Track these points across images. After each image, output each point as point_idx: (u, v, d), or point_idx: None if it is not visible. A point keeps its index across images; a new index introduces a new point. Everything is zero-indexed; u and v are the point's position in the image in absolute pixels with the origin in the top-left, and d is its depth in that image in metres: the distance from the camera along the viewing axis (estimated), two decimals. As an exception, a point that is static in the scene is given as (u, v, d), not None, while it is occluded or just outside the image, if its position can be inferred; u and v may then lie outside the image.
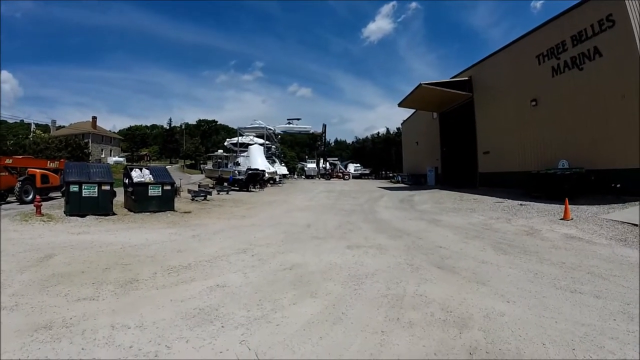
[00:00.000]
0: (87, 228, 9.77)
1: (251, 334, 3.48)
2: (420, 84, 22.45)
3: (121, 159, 57.23)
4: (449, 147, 28.56)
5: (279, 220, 12.22)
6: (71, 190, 11.48)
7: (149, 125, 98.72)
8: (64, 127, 63.40)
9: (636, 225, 8.45)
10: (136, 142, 72.19)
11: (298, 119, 53.05)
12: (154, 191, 13.54)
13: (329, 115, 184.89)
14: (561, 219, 9.91)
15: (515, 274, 5.45)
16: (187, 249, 7.52)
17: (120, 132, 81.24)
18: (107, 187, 12.18)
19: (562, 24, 15.87)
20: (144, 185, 13.44)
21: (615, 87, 13.40)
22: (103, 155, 61.12)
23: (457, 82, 23.63)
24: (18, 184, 15.46)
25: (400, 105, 28.02)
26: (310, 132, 55.93)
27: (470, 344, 3.24)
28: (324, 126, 59.81)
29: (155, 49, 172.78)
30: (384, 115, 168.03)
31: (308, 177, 56.19)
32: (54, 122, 64.82)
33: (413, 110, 36.10)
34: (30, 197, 15.32)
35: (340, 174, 53.83)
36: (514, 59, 19.43)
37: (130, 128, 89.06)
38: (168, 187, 14.02)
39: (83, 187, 11.64)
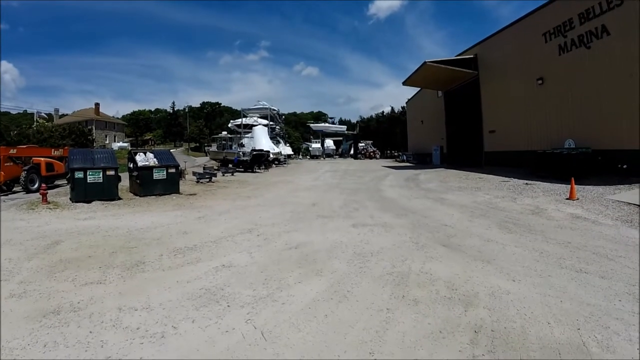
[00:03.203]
0: (93, 214, 9.82)
1: (257, 313, 3.53)
2: (425, 62, 22.00)
3: (125, 144, 57.46)
4: (454, 126, 28.20)
5: (284, 200, 12.27)
6: (76, 176, 11.50)
7: (152, 109, 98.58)
8: (66, 115, 63.46)
9: None
10: (140, 127, 72.18)
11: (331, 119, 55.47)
12: (159, 174, 13.58)
13: (334, 95, 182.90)
14: (567, 199, 9.81)
15: (520, 253, 5.44)
16: (192, 230, 7.58)
17: (124, 117, 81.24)
18: (112, 172, 12.21)
19: (570, 2, 15.35)
20: (149, 169, 13.47)
21: (622, 66, 13.02)
22: (107, 142, 61.35)
23: (463, 60, 23.11)
24: (23, 174, 15.47)
25: (404, 83, 27.60)
26: (346, 132, 56.86)
27: (476, 322, 3.25)
28: (358, 125, 60.92)
29: (159, 33, 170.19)
30: (391, 94, 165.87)
31: (313, 157, 56.42)
32: (56, 110, 64.80)
33: (418, 89, 35.51)
34: (36, 185, 15.32)
35: (372, 153, 54.33)
36: (520, 36, 18.90)
37: (133, 113, 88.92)
38: (173, 170, 14.05)
39: (88, 173, 11.67)
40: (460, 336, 3.01)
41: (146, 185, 13.26)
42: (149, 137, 66.43)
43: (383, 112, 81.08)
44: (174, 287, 4.33)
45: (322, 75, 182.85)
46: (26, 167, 15.89)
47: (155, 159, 14.14)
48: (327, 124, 54.79)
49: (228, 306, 3.72)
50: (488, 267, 4.81)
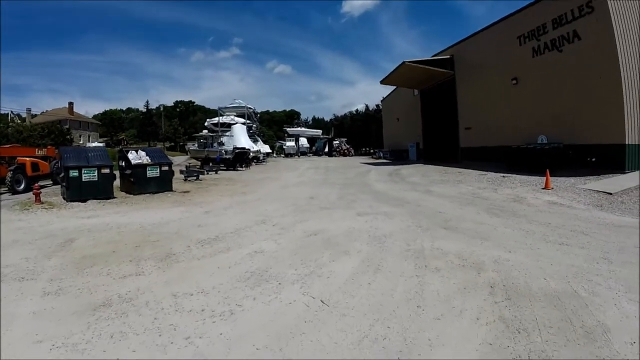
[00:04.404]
0: (94, 212, 9.80)
1: (309, 287, 4.08)
2: (404, 62, 22.97)
3: (101, 144, 55.95)
4: (430, 123, 29.44)
5: (279, 195, 12.78)
6: (71, 175, 11.35)
7: (123, 109, 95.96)
8: (35, 115, 60.89)
9: (610, 193, 9.62)
10: (115, 126, 70.35)
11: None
12: (152, 172, 13.63)
13: (306, 93, 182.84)
14: (543, 189, 11.01)
15: (510, 232, 6.35)
16: (206, 224, 7.94)
17: (95, 117, 78.89)
18: (107, 171, 12.14)
19: (544, 8, 16.56)
20: (143, 166, 13.47)
21: (592, 68, 14.33)
22: (82, 141, 59.39)
23: (439, 60, 24.31)
24: (9, 174, 14.89)
25: (382, 82, 28.54)
26: (321, 136, 57.32)
27: (489, 281, 4.06)
28: (333, 129, 61.42)
29: (129, 28, 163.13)
30: (363, 92, 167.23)
31: (287, 155, 56.84)
32: (29, 109, 61.98)
33: (393, 87, 36.64)
34: (22, 186, 14.90)
35: (345, 151, 55.11)
36: (495, 39, 20.13)
37: (105, 113, 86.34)
38: (166, 168, 14.09)
39: (83, 171, 11.55)
40: (480, 290, 3.80)
41: (140, 183, 13.26)
42: (122, 137, 64.78)
43: (357, 110, 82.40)
44: (217, 273, 4.64)
45: (294, 73, 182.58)
46: (12, 168, 15.33)
47: (147, 157, 14.15)
48: (303, 129, 55.86)
49: (279, 284, 4.19)
50: (486, 243, 5.67)
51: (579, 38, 14.86)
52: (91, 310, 3.62)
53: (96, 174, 11.84)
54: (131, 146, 59.84)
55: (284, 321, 3.29)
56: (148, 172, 13.55)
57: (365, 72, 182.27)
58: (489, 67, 20.69)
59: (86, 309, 3.65)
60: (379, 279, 4.23)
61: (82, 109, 67.30)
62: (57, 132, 39.74)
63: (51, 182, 17.05)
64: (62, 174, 11.90)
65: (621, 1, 13.95)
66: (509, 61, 18.89)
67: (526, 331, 2.95)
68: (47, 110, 63.76)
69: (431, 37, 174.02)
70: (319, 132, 58.20)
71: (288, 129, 56.95)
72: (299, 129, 56.03)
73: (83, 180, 11.58)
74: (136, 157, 14.03)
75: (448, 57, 24.20)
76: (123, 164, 14.04)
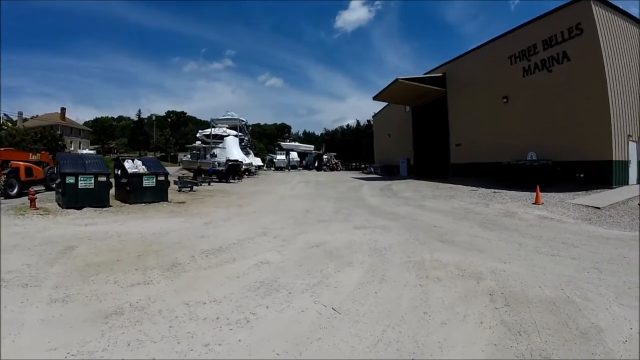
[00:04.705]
0: (91, 220, 9.67)
1: (319, 296, 4.23)
2: (397, 79, 23.59)
3: (92, 152, 55.54)
4: (421, 139, 30.08)
5: (275, 208, 12.93)
6: (67, 182, 11.26)
7: (114, 117, 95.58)
8: (26, 119, 60.20)
9: (598, 208, 10.11)
10: (106, 134, 69.89)
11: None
12: (148, 182, 13.63)
13: (297, 106, 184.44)
14: (533, 204, 11.46)
15: (504, 245, 6.65)
16: (207, 234, 7.99)
17: (86, 123, 78.38)
18: (104, 179, 12.09)
19: (534, 29, 17.40)
20: (139, 176, 13.49)
21: (580, 88, 15.09)
22: (72, 148, 58.78)
23: (431, 77, 25.05)
24: (3, 178, 14.62)
25: (375, 98, 29.15)
26: (313, 152, 58.05)
27: (488, 289, 4.31)
28: (324, 144, 61.97)
29: (123, 35, 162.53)
30: (354, 107, 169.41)
31: (278, 168, 57.21)
32: (20, 113, 61.25)
33: (385, 104, 37.37)
34: (15, 191, 14.69)
35: (334, 165, 55.67)
36: (487, 58, 20.93)
37: (96, 120, 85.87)
38: (162, 178, 14.11)
39: (79, 178, 11.48)
40: (481, 297, 4.05)
41: (136, 192, 13.22)
42: (112, 145, 64.35)
43: (348, 125, 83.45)
44: (227, 282, 4.71)
45: (286, 86, 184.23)
46: (5, 171, 15.02)
47: (144, 167, 14.17)
48: (297, 144, 56.75)
49: (289, 293, 4.32)
50: (482, 255, 5.94)
51: (569, 59, 15.60)
52: (103, 318, 3.61)
53: (93, 181, 11.77)
54: (121, 155, 59.56)
55: (299, 328, 3.42)
56: (144, 181, 13.54)
57: (357, 87, 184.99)
58: (480, 85, 21.39)
59: (97, 316, 3.64)
60: (384, 288, 4.44)
61: (72, 115, 66.60)
62: (49, 137, 39.32)
63: (44, 188, 16.88)
64: (58, 180, 11.81)
65: (610, 24, 14.76)
66: (499, 80, 19.61)
67: (527, 333, 3.19)
68: (36, 115, 63.06)
69: (423, 53, 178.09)
70: (312, 147, 59.00)
71: (282, 143, 57.59)
72: (292, 143, 56.68)
73: (79, 187, 11.49)
74: (132, 166, 14.03)
75: (440, 75, 24.96)
76: (119, 172, 14.02)
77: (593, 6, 14.51)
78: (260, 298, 4.17)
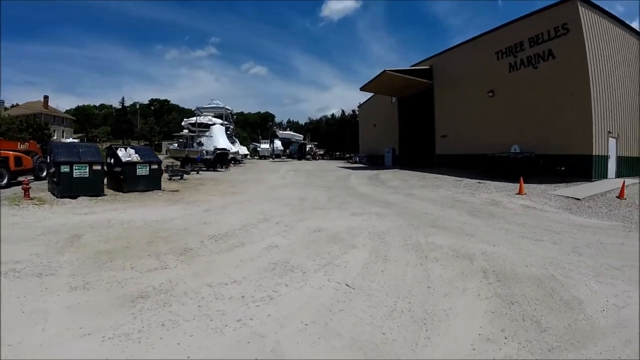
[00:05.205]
0: (89, 209, 9.69)
1: (331, 274, 4.63)
2: (385, 71, 24.01)
3: (76, 140, 54.15)
4: (407, 130, 30.72)
5: (269, 196, 13.22)
6: (62, 170, 11.21)
7: (96, 105, 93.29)
8: (7, 108, 58.00)
9: (578, 199, 10.90)
10: (90, 122, 68.25)
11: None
12: (142, 170, 13.67)
13: (281, 95, 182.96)
14: (517, 194, 12.20)
15: (491, 231, 7.24)
16: (210, 221, 8.18)
17: (68, 112, 76.29)
18: (98, 167, 12.07)
19: (522, 27, 18.03)
20: (133, 164, 13.51)
21: (564, 86, 15.85)
22: (55, 137, 57.17)
23: (419, 70, 25.60)
24: None
25: (362, 89, 29.57)
26: (302, 140, 58.30)
27: (481, 267, 4.85)
28: (308, 136, 62.00)
29: (104, 22, 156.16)
30: (339, 96, 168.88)
31: (262, 157, 57.38)
32: (1, 102, 58.89)
33: (371, 94, 37.79)
34: (5, 181, 14.23)
35: (316, 155, 56.28)
36: (474, 53, 21.53)
37: (78, 108, 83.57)
38: (155, 166, 14.17)
39: (74, 167, 11.43)
40: (475, 275, 4.58)
41: (130, 181, 13.24)
42: (95, 134, 62.89)
43: (333, 114, 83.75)
44: (242, 265, 4.95)
45: (270, 75, 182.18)
46: None
47: (137, 155, 14.14)
48: (292, 133, 56.95)
49: (304, 272, 4.67)
50: (472, 239, 6.49)
51: (554, 57, 16.33)
52: (130, 302, 3.71)
53: (87, 170, 11.70)
54: (104, 142, 58.32)
55: (319, 302, 3.79)
56: (138, 170, 13.57)
57: (342, 76, 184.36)
58: (466, 79, 22.03)
59: (123, 301, 3.73)
60: (389, 267, 4.91)
61: (53, 103, 64.17)
62: (35, 126, 38.30)
63: (32, 178, 16.67)
64: (53, 169, 11.74)
65: (595, 25, 15.50)
66: (486, 74, 20.27)
67: (518, 303, 3.73)
68: (17, 104, 60.90)
69: (408, 45, 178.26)
70: (302, 136, 59.42)
71: (278, 132, 57.77)
72: (288, 132, 57.04)
73: (74, 176, 11.43)
74: (126, 154, 14.01)
75: (427, 67, 25.51)
76: (112, 161, 13.95)
77: (579, 7, 15.18)
78: (278, 277, 4.50)
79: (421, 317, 3.43)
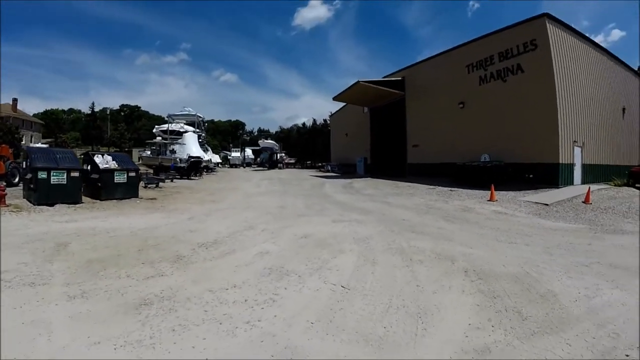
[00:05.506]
0: (69, 217, 9.52)
1: (326, 278, 4.86)
2: (358, 81, 24.71)
3: (45, 145, 51.59)
4: (378, 139, 31.55)
5: (248, 204, 13.27)
6: (39, 177, 10.98)
7: (65, 109, 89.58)
8: None
9: (546, 204, 11.76)
10: (60, 127, 65.33)
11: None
12: (120, 178, 13.44)
13: (250, 103, 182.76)
14: (488, 200, 12.95)
15: (467, 235, 7.75)
16: (196, 229, 8.16)
17: (35, 116, 72.97)
18: (77, 174, 11.82)
19: (492, 41, 19.13)
20: (111, 171, 13.28)
21: (532, 98, 16.93)
22: (24, 141, 54.40)
23: (391, 81, 26.49)
24: None
25: (335, 99, 30.24)
26: (276, 149, 58.53)
27: (462, 268, 5.28)
28: (281, 145, 62.30)
29: (71, 23, 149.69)
30: (308, 105, 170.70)
31: (232, 165, 57.11)
32: None
33: (342, 104, 38.51)
34: None
35: (285, 164, 56.42)
36: (446, 65, 22.57)
37: (46, 112, 79.98)
38: (133, 174, 13.99)
39: (52, 173, 11.16)
40: (458, 274, 5.00)
41: (107, 188, 13.04)
42: (64, 139, 60.28)
43: (304, 123, 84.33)
44: (238, 270, 5.07)
45: (240, 82, 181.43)
46: None
47: (114, 162, 13.98)
48: (272, 142, 57.15)
49: (299, 276, 4.85)
50: (451, 243, 6.95)
51: (522, 71, 17.45)
52: (133, 309, 3.72)
53: (65, 176, 11.48)
54: (72, 148, 55.91)
55: (320, 303, 4.00)
56: (116, 177, 13.37)
57: (311, 85, 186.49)
58: (438, 91, 23.03)
59: (127, 309, 3.74)
60: (378, 269, 5.23)
61: (19, 106, 61.45)
62: (5, 129, 36.35)
63: (5, 184, 15.95)
64: (29, 175, 11.48)
65: (561, 41, 16.74)
66: (457, 86, 21.29)
67: (500, 297, 4.15)
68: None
69: (378, 54, 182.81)
70: (277, 145, 59.79)
71: (260, 142, 58.14)
72: (270, 142, 57.25)
73: (52, 182, 11.20)
74: (103, 161, 13.81)
75: (400, 78, 26.48)
76: (88, 167, 13.69)
77: (547, 24, 16.36)
78: (275, 282, 4.68)
79: (415, 312, 3.76)
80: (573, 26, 17.89)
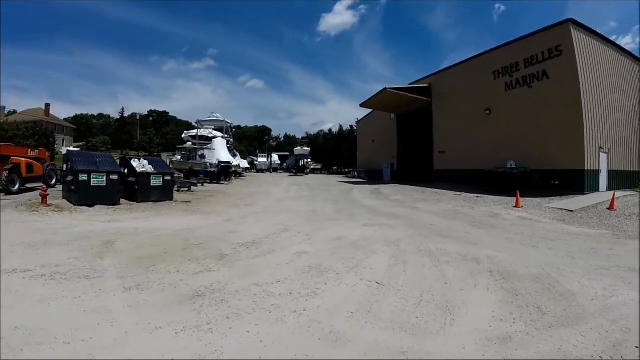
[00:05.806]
0: (111, 217, 10.12)
1: (362, 275, 5.33)
2: (385, 88, 25.10)
3: (77, 149, 54.49)
4: (405, 146, 31.71)
5: (280, 208, 13.87)
6: (80, 179, 11.64)
7: (95, 114, 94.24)
8: (7, 114, 58.35)
9: (571, 211, 11.85)
10: (91, 132, 68.82)
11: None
12: (156, 181, 14.21)
13: (276, 109, 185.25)
14: (514, 207, 13.13)
15: (493, 239, 8.07)
16: (235, 230, 8.72)
17: (66, 120, 76.93)
18: (115, 177, 12.52)
19: (518, 48, 19.15)
20: (147, 175, 14.08)
21: (557, 104, 16.90)
22: (57, 145, 57.59)
23: (418, 88, 26.74)
24: (5, 173, 14.25)
25: (362, 105, 30.68)
26: (308, 154, 59.58)
27: (487, 268, 5.66)
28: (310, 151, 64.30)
29: (101, 31, 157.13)
30: (334, 111, 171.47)
31: (259, 170, 58.17)
32: (2, 107, 59.06)
33: (369, 110, 38.88)
34: (17, 187, 14.51)
35: (312, 170, 57.27)
36: (471, 72, 22.64)
37: (76, 117, 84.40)
38: (168, 178, 14.77)
39: (92, 176, 11.86)
40: (483, 274, 5.39)
41: (144, 191, 13.75)
42: (94, 143, 63.38)
43: (330, 129, 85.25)
44: (280, 268, 5.46)
45: (267, 88, 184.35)
46: (7, 167, 14.68)
47: (150, 166, 14.80)
48: (307, 149, 58.02)
49: (337, 274, 5.33)
50: (477, 246, 7.30)
51: (548, 77, 17.43)
52: (188, 300, 4.03)
53: (105, 179, 12.18)
54: (102, 153, 58.59)
55: (357, 296, 4.45)
56: (152, 180, 14.13)
57: (336, 91, 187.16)
58: (464, 97, 23.07)
59: (182, 299, 4.04)
60: (409, 268, 5.69)
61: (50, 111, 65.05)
62: (41, 133, 38.73)
63: (45, 185, 16.98)
64: (71, 177, 12.18)
65: (586, 46, 16.66)
66: (483, 93, 21.32)
67: (522, 294, 4.53)
68: (14, 110, 61.28)
69: (403, 60, 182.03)
70: (308, 150, 60.51)
71: (296, 149, 58.42)
72: (305, 148, 58.09)
73: (92, 184, 11.89)
74: (139, 165, 14.65)
75: (426, 85, 26.70)
76: (125, 171, 14.38)
77: (572, 30, 16.35)
78: (316, 277, 5.14)
79: (444, 305, 4.20)
80: (600, 28, 18.23)
